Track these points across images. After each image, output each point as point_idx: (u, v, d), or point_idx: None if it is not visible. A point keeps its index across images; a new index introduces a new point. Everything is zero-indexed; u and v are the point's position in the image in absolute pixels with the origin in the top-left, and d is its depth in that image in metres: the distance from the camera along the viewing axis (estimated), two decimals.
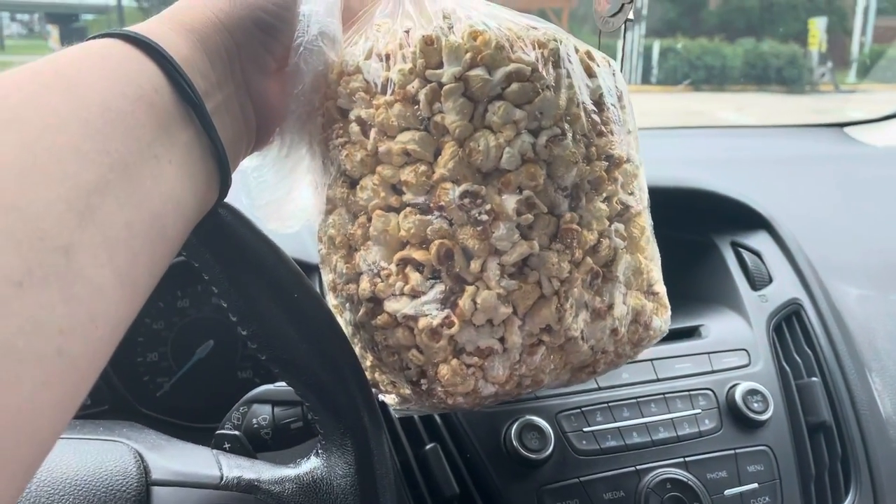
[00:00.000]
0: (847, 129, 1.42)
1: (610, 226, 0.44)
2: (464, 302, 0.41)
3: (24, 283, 0.23)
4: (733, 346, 0.71)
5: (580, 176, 0.42)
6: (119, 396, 0.74)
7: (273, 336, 0.43)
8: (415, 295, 0.42)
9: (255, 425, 0.52)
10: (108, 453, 0.44)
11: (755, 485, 0.62)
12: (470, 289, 0.41)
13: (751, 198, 0.85)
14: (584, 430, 0.61)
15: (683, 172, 0.85)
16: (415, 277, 0.42)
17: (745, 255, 0.80)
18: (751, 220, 0.84)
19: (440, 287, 0.41)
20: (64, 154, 0.26)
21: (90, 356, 0.26)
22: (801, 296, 0.77)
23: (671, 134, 1.40)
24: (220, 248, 0.42)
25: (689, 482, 0.60)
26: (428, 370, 0.43)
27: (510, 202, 0.41)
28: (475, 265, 0.41)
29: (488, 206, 0.41)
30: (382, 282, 0.42)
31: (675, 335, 0.72)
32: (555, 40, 0.42)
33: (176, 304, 0.76)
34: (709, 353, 0.69)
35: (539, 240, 0.42)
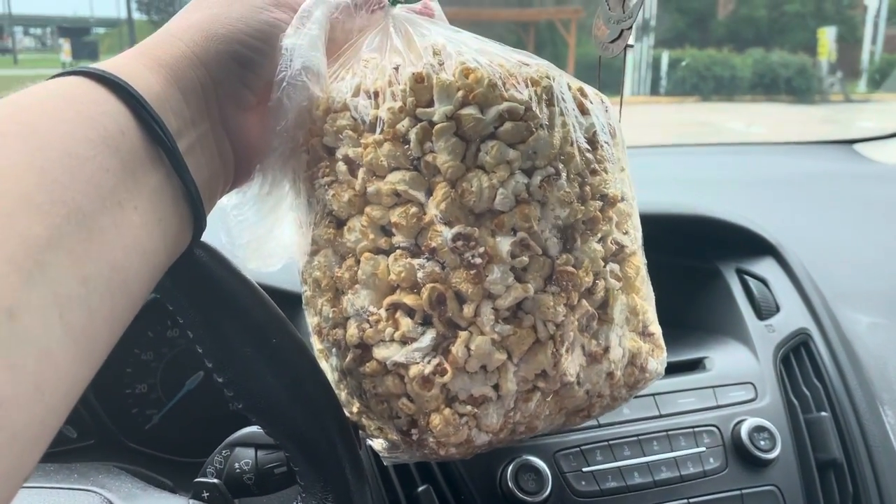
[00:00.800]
0: (856, 146, 1.40)
1: (605, 266, 0.43)
2: (457, 348, 0.39)
3: None
4: (739, 380, 0.68)
5: (575, 216, 0.41)
6: (106, 430, 0.72)
7: (250, 384, 0.41)
8: (405, 341, 0.40)
9: (238, 470, 0.50)
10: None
11: None
12: (463, 334, 0.39)
13: (756, 223, 0.82)
14: (584, 470, 0.59)
15: (688, 196, 0.83)
16: (405, 323, 0.40)
17: (751, 282, 0.78)
18: (757, 246, 0.82)
19: (432, 333, 0.40)
20: (13, 207, 0.25)
21: (36, 427, 0.24)
22: (810, 325, 0.74)
23: (677, 152, 1.38)
24: (195, 291, 0.40)
25: None
26: (419, 420, 0.41)
27: (504, 244, 0.39)
28: (468, 310, 0.39)
29: (482, 249, 0.39)
30: (371, 327, 0.41)
31: (678, 368, 0.70)
32: (548, 77, 0.41)
33: (165, 333, 0.75)
34: (713, 386, 0.67)
35: (534, 283, 0.40)
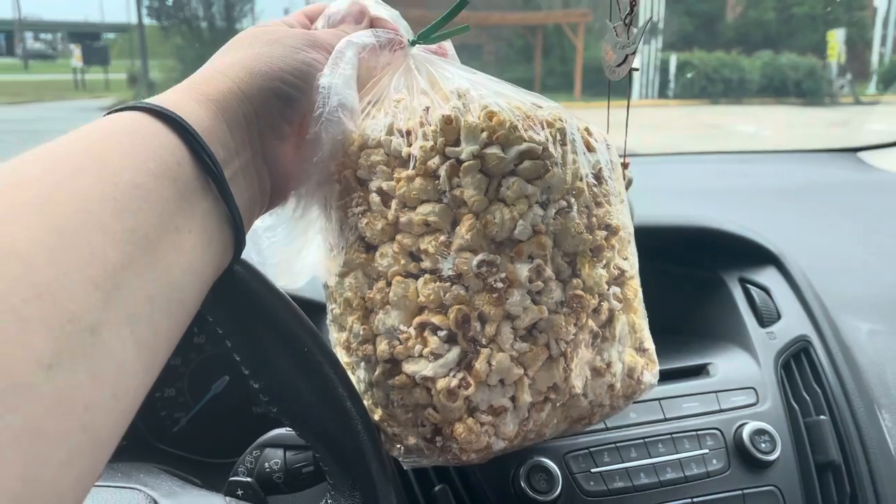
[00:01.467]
0: (861, 154, 1.42)
1: (608, 290, 0.47)
2: (480, 364, 0.43)
3: (53, 366, 0.24)
4: (741, 385, 0.71)
5: (583, 244, 0.45)
6: (136, 432, 0.76)
7: (284, 390, 0.44)
8: (433, 357, 0.44)
9: (268, 469, 0.53)
10: (124, 501, 0.45)
11: None
12: (485, 351, 0.44)
13: (759, 234, 0.85)
14: (592, 470, 0.62)
15: (692, 205, 0.86)
16: (433, 341, 0.44)
17: (754, 291, 0.81)
18: (759, 255, 0.84)
19: (457, 350, 0.44)
20: (93, 235, 0.28)
21: (111, 429, 0.27)
22: (810, 332, 0.77)
23: (682, 160, 1.41)
24: (234, 303, 0.44)
25: None
26: (443, 428, 0.45)
27: (523, 270, 0.43)
28: (490, 329, 0.44)
29: (503, 275, 0.43)
30: (401, 344, 0.45)
31: (682, 374, 0.72)
32: (560, 120, 0.45)
33: (193, 340, 0.78)
34: (716, 391, 0.70)
35: (547, 304, 0.44)
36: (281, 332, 0.44)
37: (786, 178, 1.30)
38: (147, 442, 0.76)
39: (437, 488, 0.60)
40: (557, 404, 0.46)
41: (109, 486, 0.47)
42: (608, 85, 0.60)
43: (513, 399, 0.45)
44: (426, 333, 0.44)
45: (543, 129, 0.44)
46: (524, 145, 0.43)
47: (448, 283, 0.43)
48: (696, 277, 0.85)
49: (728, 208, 0.89)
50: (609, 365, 0.48)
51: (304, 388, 0.44)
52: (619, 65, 0.59)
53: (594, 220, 0.46)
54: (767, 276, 0.83)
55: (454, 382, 0.43)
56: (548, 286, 0.44)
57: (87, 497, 0.46)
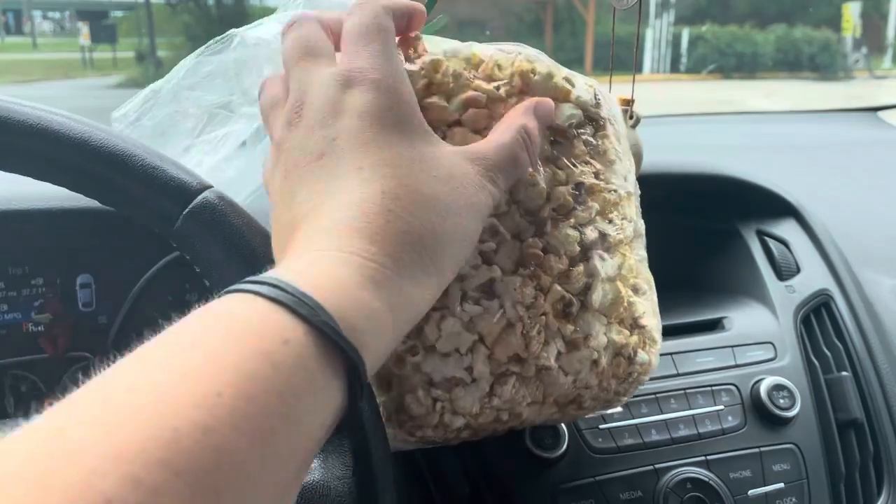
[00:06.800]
0: (881, 114, 1.37)
1: (586, 253, 0.43)
2: (429, 327, 0.41)
3: None
4: (758, 340, 0.67)
5: (541, 199, 0.42)
6: None
7: None
8: None
9: None
10: None
11: (781, 485, 0.59)
12: (434, 315, 0.41)
13: (777, 184, 0.81)
14: (600, 427, 0.59)
15: (707, 158, 0.82)
16: None
17: (772, 244, 0.77)
18: (777, 207, 0.80)
19: None
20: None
21: None
22: (831, 286, 0.74)
23: (699, 120, 1.37)
24: (213, 240, 0.41)
25: (711, 482, 0.57)
26: (398, 401, 0.43)
27: None
28: None
29: None
30: None
31: (696, 328, 0.69)
32: (516, 65, 0.43)
33: (184, 297, 0.75)
34: (732, 346, 0.66)
35: (502, 265, 0.41)
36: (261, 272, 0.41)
37: (803, 136, 1.26)
38: None
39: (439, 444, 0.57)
40: (527, 379, 0.43)
41: None
42: (612, 13, 0.56)
43: (469, 371, 0.42)
44: None
45: (494, 77, 0.42)
46: (468, 93, 0.41)
47: None
48: (709, 229, 0.81)
49: (744, 163, 0.85)
50: (587, 338, 0.44)
51: None
52: None
53: (562, 175, 0.43)
54: (786, 229, 0.79)
55: (402, 348, 0.41)
56: (504, 246, 0.42)
57: None
